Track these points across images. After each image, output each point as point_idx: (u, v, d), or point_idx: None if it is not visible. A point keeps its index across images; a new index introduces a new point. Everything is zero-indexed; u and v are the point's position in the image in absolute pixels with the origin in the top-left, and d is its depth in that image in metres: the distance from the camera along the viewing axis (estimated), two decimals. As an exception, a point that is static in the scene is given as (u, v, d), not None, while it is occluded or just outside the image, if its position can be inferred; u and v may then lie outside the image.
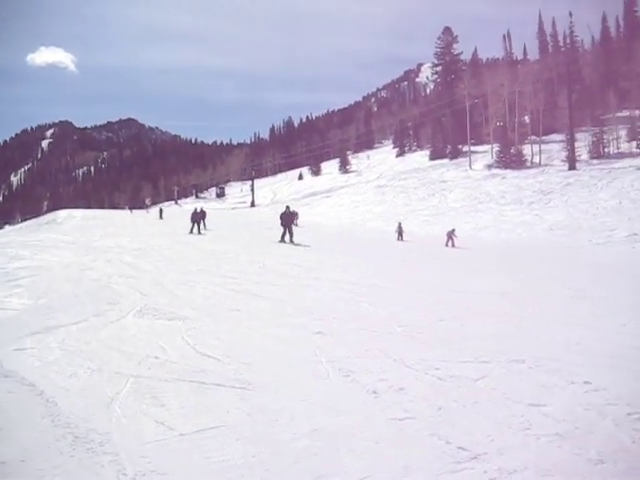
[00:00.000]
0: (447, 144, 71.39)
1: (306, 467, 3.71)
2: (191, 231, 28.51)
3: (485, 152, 62.33)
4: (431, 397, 4.97)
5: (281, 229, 23.52)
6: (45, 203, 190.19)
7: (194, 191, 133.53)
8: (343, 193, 65.07)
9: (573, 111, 51.95)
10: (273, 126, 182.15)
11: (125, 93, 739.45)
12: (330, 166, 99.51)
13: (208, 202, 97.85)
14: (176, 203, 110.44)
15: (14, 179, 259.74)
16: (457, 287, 12.38)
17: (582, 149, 51.42)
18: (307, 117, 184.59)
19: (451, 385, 5.30)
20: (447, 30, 77.95)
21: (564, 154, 50.85)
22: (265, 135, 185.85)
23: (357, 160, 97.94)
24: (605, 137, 53.42)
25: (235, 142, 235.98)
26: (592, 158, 50.70)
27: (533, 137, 58.08)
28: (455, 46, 77.70)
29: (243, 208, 77.88)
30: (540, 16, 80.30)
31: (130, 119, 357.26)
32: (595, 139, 52.35)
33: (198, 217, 29.66)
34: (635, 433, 4.18)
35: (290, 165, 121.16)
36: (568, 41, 70.87)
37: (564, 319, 8.69)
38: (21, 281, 11.74)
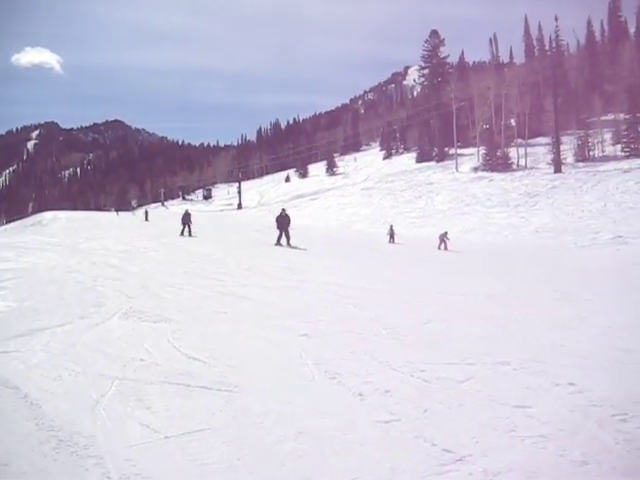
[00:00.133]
0: (434, 147, 71.76)
1: (291, 470, 3.70)
2: (182, 233, 28.37)
3: (472, 155, 62.70)
4: (417, 399, 4.98)
5: (276, 232, 23.44)
6: (30, 205, 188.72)
7: (181, 193, 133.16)
8: (330, 195, 65.21)
9: (559, 114, 52.44)
10: (260, 128, 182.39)
11: (111, 94, 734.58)
12: (317, 168, 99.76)
13: (195, 204, 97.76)
14: (163, 205, 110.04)
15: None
16: (444, 289, 12.42)
17: (568, 152, 51.90)
18: (294, 119, 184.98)
19: (437, 387, 5.31)
20: (434, 33, 78.17)
21: (550, 157, 51.32)
22: (252, 137, 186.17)
23: (344, 162, 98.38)
24: (590, 140, 53.96)
25: (222, 144, 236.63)
26: (577, 161, 51.18)
27: (519, 140, 58.52)
28: (442, 49, 77.93)
29: (230, 210, 77.74)
30: (526, 20, 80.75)
31: (116, 120, 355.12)
32: (580, 142, 52.86)
33: (187, 219, 29.36)
34: (619, 434, 4.21)
35: (277, 167, 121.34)
36: (554, 45, 71.23)
37: (550, 321, 8.74)
38: (5, 283, 11.61)
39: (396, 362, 6.04)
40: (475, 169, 57.65)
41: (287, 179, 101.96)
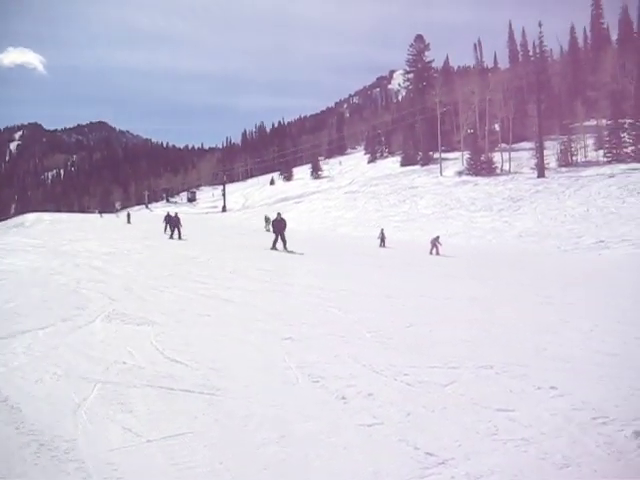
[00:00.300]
0: (418, 151, 72.06)
1: (275, 473, 3.69)
2: (171, 236, 28.22)
3: (456, 159, 63.02)
4: (400, 403, 4.99)
5: (272, 236, 23.28)
6: (13, 206, 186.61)
7: (165, 195, 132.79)
8: (315, 199, 65.22)
9: (542, 119, 52.90)
10: (245, 131, 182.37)
11: (95, 95, 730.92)
12: (302, 171, 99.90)
13: (179, 207, 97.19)
14: (147, 207, 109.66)
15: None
16: (428, 293, 12.46)
17: (551, 157, 52.33)
18: (279, 122, 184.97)
19: (420, 391, 5.32)
20: (419, 38, 78.57)
21: (533, 162, 51.72)
22: (237, 140, 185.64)
23: (329, 166, 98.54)
24: (573, 145, 54.46)
25: (207, 146, 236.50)
26: (560, 166, 51.61)
27: (503, 145, 58.90)
28: (427, 54, 78.38)
29: (215, 213, 77.60)
30: (510, 26, 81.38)
31: (100, 122, 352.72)
32: (563, 147, 53.36)
33: (175, 222, 29.07)
34: (599, 437, 4.24)
35: (262, 170, 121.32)
36: (537, 51, 71.78)
37: (533, 325, 8.79)
38: (-13, 285, 11.53)
39: (379, 365, 6.05)
40: (459, 173, 57.94)
41: (272, 182, 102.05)
